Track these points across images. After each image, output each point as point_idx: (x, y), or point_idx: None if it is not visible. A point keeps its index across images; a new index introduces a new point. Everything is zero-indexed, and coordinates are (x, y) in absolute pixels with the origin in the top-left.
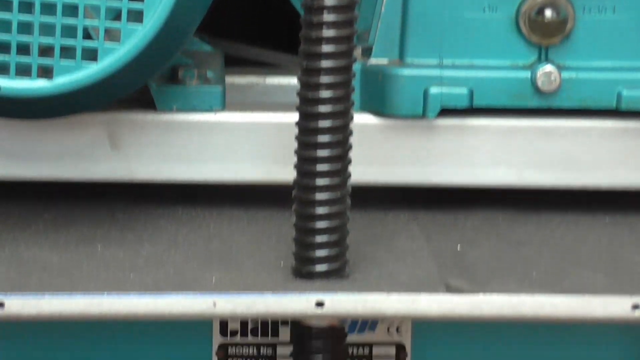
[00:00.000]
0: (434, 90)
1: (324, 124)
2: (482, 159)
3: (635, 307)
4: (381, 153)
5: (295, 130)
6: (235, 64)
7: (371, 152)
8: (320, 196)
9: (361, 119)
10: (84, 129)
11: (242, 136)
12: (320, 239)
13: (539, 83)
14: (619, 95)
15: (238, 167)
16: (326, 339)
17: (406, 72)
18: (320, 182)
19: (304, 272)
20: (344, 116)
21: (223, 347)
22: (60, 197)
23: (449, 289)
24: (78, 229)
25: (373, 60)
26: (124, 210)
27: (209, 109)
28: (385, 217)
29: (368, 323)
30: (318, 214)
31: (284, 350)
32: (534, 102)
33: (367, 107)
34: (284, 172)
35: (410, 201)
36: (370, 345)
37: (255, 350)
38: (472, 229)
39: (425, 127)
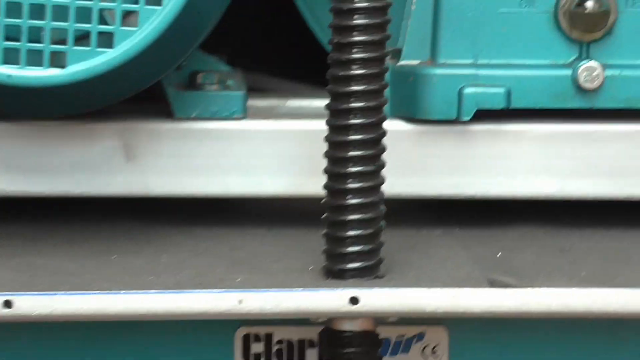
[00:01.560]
0: (468, 90)
1: (356, 121)
2: (520, 167)
3: None
4: (411, 163)
5: (323, 138)
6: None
7: (401, 161)
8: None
9: (391, 126)
10: (98, 139)
11: (265, 145)
12: (353, 232)
13: (581, 79)
14: None
15: (261, 180)
16: (359, 345)
17: (439, 71)
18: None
19: (335, 270)
20: (377, 113)
21: None
22: (75, 212)
23: (494, 284)
24: (94, 243)
25: (403, 62)
26: (140, 227)
27: (230, 116)
28: (418, 233)
29: (401, 344)
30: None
31: None
32: (575, 103)
33: (397, 112)
34: (311, 184)
35: (444, 217)
36: None
37: None
38: (512, 239)
39: (458, 132)
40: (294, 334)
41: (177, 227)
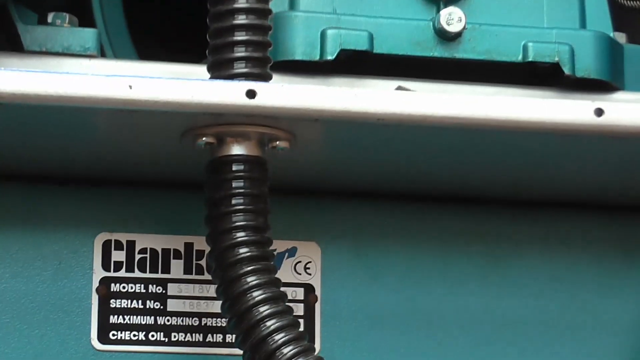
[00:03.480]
0: (331, 31)
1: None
2: None
3: None
4: None
5: None
6: None
7: None
8: None
9: None
10: None
11: None
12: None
13: (443, 22)
14: (525, 47)
15: None
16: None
17: (301, 13)
18: None
19: None
20: None
21: (105, 282)
22: None
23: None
24: None
25: None
26: None
27: (83, 52)
28: None
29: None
30: None
31: (176, 289)
32: (436, 52)
33: None
34: None
35: None
36: None
37: (142, 288)
38: None
39: (319, 83)
40: (159, 242)
41: None
